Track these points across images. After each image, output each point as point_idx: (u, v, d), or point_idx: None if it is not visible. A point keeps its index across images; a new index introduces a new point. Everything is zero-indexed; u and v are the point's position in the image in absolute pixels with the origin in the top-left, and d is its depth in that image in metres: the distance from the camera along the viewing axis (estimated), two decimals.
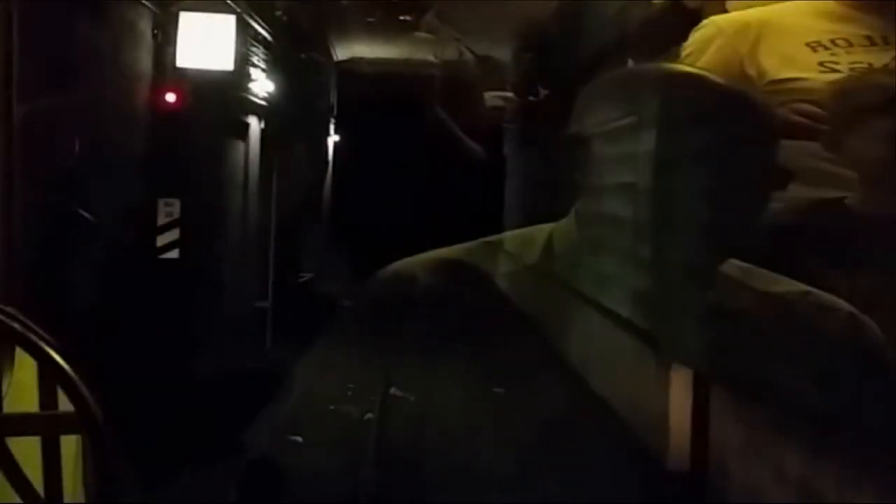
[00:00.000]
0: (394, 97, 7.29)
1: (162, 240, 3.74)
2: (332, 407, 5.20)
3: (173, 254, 3.71)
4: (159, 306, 3.83)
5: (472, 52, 7.49)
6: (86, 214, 3.31)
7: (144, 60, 3.74)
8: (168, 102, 3.76)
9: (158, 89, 3.76)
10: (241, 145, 5.68)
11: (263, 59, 5.95)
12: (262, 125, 6.11)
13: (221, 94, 4.32)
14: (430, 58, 7.25)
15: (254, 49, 5.70)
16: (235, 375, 5.20)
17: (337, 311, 7.37)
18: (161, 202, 3.70)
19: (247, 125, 5.80)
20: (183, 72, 3.86)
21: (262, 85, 5.94)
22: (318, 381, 5.63)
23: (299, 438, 4.84)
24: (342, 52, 8.45)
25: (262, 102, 5.99)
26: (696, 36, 2.27)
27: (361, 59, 8.34)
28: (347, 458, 4.70)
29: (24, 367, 1.54)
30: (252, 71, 5.71)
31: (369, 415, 4.94)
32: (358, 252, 7.57)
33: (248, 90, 5.65)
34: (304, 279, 7.65)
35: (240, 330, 5.78)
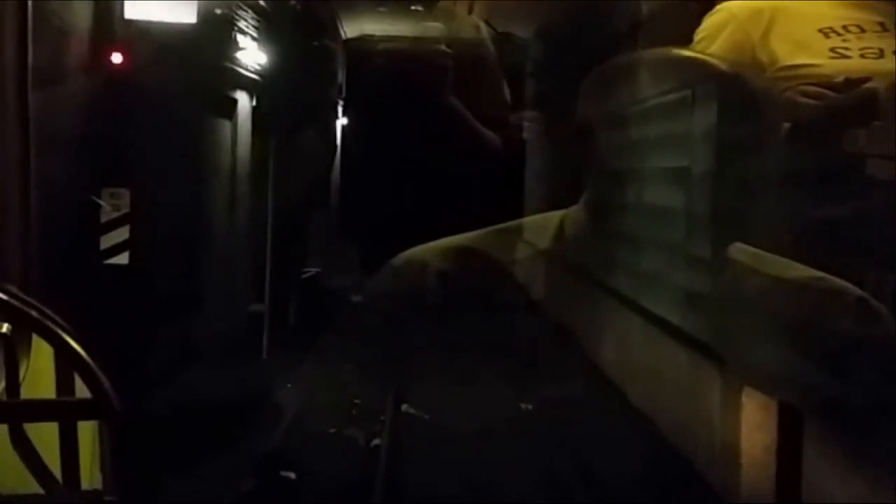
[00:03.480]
0: (407, 81, 6.94)
1: (107, 241, 2.94)
2: (332, 430, 4.52)
3: (122, 258, 2.91)
4: (122, 317, 3.08)
5: (492, 27, 7.24)
6: (99, 201, 3.01)
7: (82, 11, 2.95)
8: (113, 64, 2.98)
9: (101, 48, 2.97)
10: (225, 124, 4.88)
11: (254, 27, 5.17)
12: (254, 102, 5.33)
13: (185, 55, 3.51)
14: (442, 46, 7.18)
15: (241, 13, 4.92)
16: (223, 393, 4.45)
17: (344, 308, 6.81)
18: (105, 193, 2.91)
19: (234, 101, 5.00)
20: (133, 25, 3.06)
21: (252, 55, 5.16)
22: (316, 398, 4.91)
23: (292, 475, 4.13)
24: (351, 29, 7.91)
25: (254, 76, 5.22)
26: (709, 21, 2.31)
27: (373, 37, 7.88)
28: (351, 497, 4.00)
29: (41, 355, 1.59)
30: (240, 39, 4.94)
31: (377, 440, 4.27)
32: (369, 242, 7.05)
33: (233, 59, 4.85)
34: (307, 275, 6.98)
35: (230, 339, 5.02)
